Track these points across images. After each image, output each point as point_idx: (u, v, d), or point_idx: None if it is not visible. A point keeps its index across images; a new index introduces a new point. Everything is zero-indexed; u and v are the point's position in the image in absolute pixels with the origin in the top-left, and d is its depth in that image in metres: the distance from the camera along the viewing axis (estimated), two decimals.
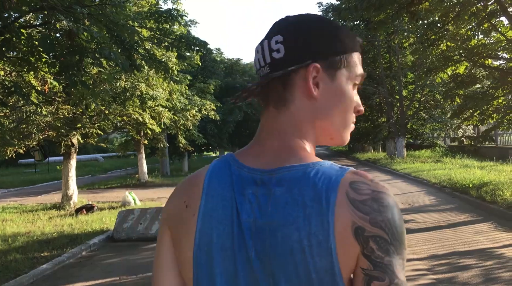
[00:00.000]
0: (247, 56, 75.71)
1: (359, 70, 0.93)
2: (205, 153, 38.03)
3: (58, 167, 12.46)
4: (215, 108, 20.41)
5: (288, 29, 0.89)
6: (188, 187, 0.93)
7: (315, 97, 0.89)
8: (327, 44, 0.89)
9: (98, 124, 12.15)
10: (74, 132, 11.36)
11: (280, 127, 0.90)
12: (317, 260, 0.78)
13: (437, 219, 8.73)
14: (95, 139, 13.63)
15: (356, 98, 0.94)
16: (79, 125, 11.35)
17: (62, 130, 10.90)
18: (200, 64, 20.20)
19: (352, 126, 0.96)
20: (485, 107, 10.37)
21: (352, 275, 0.81)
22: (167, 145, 19.20)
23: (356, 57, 0.93)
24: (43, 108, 9.41)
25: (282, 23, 0.91)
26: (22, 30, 6.15)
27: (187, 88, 17.57)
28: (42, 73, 7.66)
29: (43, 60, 6.45)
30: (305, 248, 0.78)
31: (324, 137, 0.94)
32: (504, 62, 11.18)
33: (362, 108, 0.94)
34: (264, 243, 0.81)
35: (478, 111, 10.55)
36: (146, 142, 17.73)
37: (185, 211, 0.90)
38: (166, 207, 0.96)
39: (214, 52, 34.38)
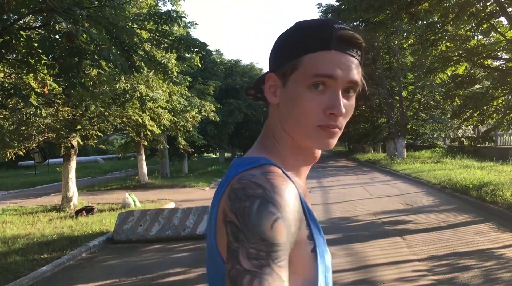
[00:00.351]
0: (247, 57, 75.55)
1: (317, 69, 0.89)
2: (205, 154, 38.03)
3: (58, 169, 12.46)
4: (215, 109, 20.41)
5: (274, 46, 0.98)
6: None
7: (275, 104, 0.96)
8: (281, 52, 0.95)
9: (98, 125, 12.15)
10: (74, 134, 11.36)
11: (264, 128, 1.02)
12: (211, 238, 0.90)
13: (437, 219, 8.72)
14: (95, 141, 13.62)
15: (323, 99, 0.90)
16: (78, 127, 11.34)
17: (62, 132, 10.90)
18: (200, 65, 20.18)
19: (334, 130, 0.92)
20: (485, 107, 10.37)
21: None
22: (167, 146, 19.19)
23: (315, 57, 0.90)
24: (43, 110, 9.40)
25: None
26: (21, 32, 6.16)
27: (186, 89, 17.59)
28: (42, 75, 7.66)
29: (43, 62, 6.45)
30: (210, 227, 0.91)
31: (299, 141, 0.96)
32: (503, 63, 11.18)
33: (335, 109, 0.89)
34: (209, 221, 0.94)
35: (478, 112, 10.55)
36: (146, 143, 17.72)
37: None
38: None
39: (214, 53, 34.39)
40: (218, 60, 35.25)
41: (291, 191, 0.85)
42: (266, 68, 1.14)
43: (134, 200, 12.14)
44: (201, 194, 15.60)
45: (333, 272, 4.82)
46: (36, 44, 6.20)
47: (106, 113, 11.56)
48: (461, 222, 8.43)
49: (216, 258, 0.89)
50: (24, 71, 7.08)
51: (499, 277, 5.23)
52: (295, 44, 0.92)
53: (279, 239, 0.79)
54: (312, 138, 0.93)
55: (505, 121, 10.19)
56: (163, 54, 10.39)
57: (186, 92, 17.48)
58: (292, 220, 0.83)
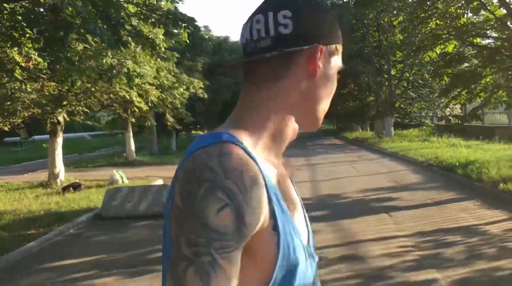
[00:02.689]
0: (236, 34, 75.02)
1: (340, 61, 0.95)
2: (193, 132, 37.90)
3: (44, 145, 12.33)
4: (203, 87, 20.24)
5: (298, 5, 0.86)
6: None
7: (314, 79, 0.88)
8: (330, 29, 0.90)
9: (84, 101, 12.00)
10: (60, 110, 11.21)
11: (247, 102, 0.90)
12: (167, 220, 0.84)
13: (423, 197, 8.83)
14: (82, 117, 13.49)
15: None
16: (65, 102, 11.19)
17: (48, 108, 10.75)
18: (188, 41, 19.89)
19: None
20: (473, 86, 10.40)
21: None
22: (155, 123, 19.07)
23: (341, 48, 0.94)
24: (28, 85, 9.24)
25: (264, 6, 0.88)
26: (5, 4, 6.00)
27: (174, 66, 17.37)
28: (26, 49, 7.49)
29: (27, 35, 6.32)
30: (168, 208, 0.84)
31: (302, 120, 0.92)
32: (492, 41, 11.18)
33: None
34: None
35: (466, 90, 10.57)
36: (133, 120, 17.55)
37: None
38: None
39: (202, 29, 33.96)
40: (207, 37, 34.86)
41: (249, 176, 0.76)
42: None
43: (122, 176, 12.10)
44: None
45: (322, 248, 4.85)
46: (20, 17, 6.06)
47: (93, 89, 11.40)
48: (447, 199, 8.54)
49: (167, 241, 0.83)
50: (8, 45, 6.92)
51: (482, 252, 5.33)
52: (339, 30, 0.93)
53: (224, 228, 0.73)
54: (319, 120, 0.94)
55: (493, 99, 10.24)
56: (151, 29, 10.19)
57: (174, 68, 17.26)
58: (248, 209, 0.75)
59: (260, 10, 0.87)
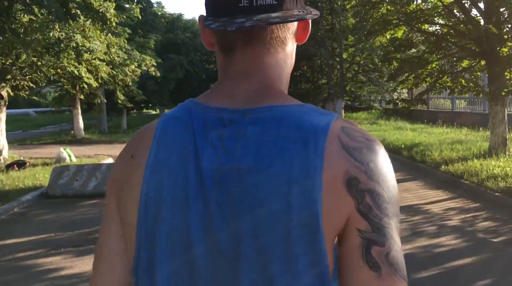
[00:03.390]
0: (189, 12, 73.54)
1: None
2: (144, 110, 37.25)
3: None
4: (155, 64, 19.88)
5: None
6: (137, 139, 0.80)
7: (299, 44, 0.85)
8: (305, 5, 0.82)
9: (30, 76, 11.52)
10: (4, 84, 10.72)
11: (264, 69, 0.78)
12: (298, 211, 0.66)
13: None
14: (27, 92, 12.97)
15: None
16: (9, 76, 10.71)
17: None
18: (140, 17, 19.48)
19: None
20: (420, 71, 10.75)
21: (338, 238, 0.70)
22: (105, 101, 18.60)
23: None
24: None
25: None
26: None
27: (126, 42, 16.94)
28: None
29: None
30: (284, 198, 0.66)
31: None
32: (439, 28, 11.57)
33: None
34: (229, 193, 0.68)
35: (413, 75, 10.93)
36: (82, 97, 17.07)
37: (130, 163, 0.77)
38: (113, 169, 0.83)
39: (155, 5, 33.19)
40: (159, 13, 34.09)
41: None
42: None
43: (70, 154, 11.77)
44: None
45: None
46: None
47: (39, 63, 10.95)
48: None
49: (303, 236, 0.66)
50: None
51: (424, 230, 5.61)
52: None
53: None
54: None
55: (438, 85, 10.65)
56: (101, 2, 9.87)
57: (126, 44, 16.85)
58: None
59: None
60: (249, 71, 0.77)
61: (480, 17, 9.65)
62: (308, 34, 0.84)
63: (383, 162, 0.71)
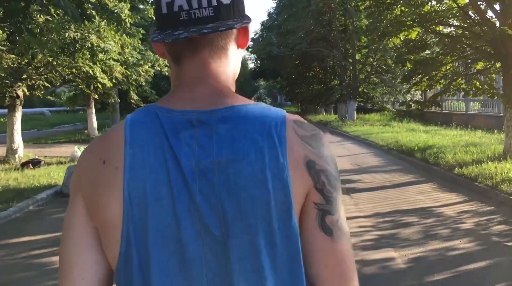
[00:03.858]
0: None
1: None
2: None
3: (1, 119, 11.95)
4: (168, 65, 19.98)
5: None
6: (102, 143, 0.85)
7: (240, 52, 0.94)
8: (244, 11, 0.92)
9: (45, 76, 11.65)
10: (20, 83, 10.85)
11: (214, 73, 0.87)
12: (274, 193, 0.78)
13: (383, 179, 9.09)
14: (42, 92, 13.10)
15: None
16: (24, 76, 10.83)
17: (7, 81, 10.37)
18: (154, 18, 19.56)
19: None
20: (434, 73, 10.68)
21: (300, 211, 0.83)
22: (118, 100, 18.72)
23: None
24: None
25: None
26: None
27: (140, 42, 17.05)
28: None
29: None
30: (260, 182, 0.78)
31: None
32: (454, 29, 11.48)
33: None
34: (212, 183, 0.78)
35: (427, 77, 10.86)
36: (96, 97, 17.21)
37: (102, 168, 0.81)
38: (76, 172, 0.87)
39: None
40: None
41: None
42: None
43: None
44: None
45: None
46: None
47: (54, 63, 11.07)
48: (405, 182, 8.82)
49: (280, 213, 0.79)
50: None
51: (437, 233, 5.57)
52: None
53: None
54: None
55: (452, 86, 10.57)
56: (116, 3, 9.96)
57: (139, 45, 16.95)
58: None
59: None
60: (201, 77, 0.87)
61: (496, 19, 9.55)
62: (249, 39, 0.94)
63: (328, 148, 0.88)
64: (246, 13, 0.91)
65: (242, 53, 0.96)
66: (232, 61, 0.91)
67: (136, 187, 0.78)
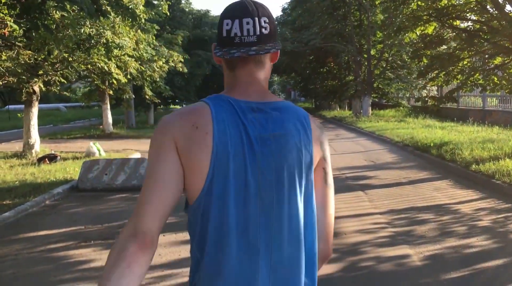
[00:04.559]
0: (216, 9, 73.75)
1: None
2: (171, 106, 37.56)
3: (18, 115, 12.08)
4: (182, 60, 20.01)
5: (269, 15, 1.29)
6: (192, 115, 1.24)
7: (271, 64, 1.38)
8: None
9: (61, 71, 11.74)
10: (36, 79, 10.97)
11: (258, 79, 1.32)
12: (305, 155, 1.28)
13: (398, 176, 9.01)
14: (58, 88, 13.22)
15: None
16: (41, 71, 10.94)
17: (23, 77, 10.49)
18: (168, 13, 19.61)
19: None
20: (451, 68, 10.55)
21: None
22: (133, 96, 18.81)
23: None
24: (3, 52, 9.01)
25: (263, 8, 1.29)
26: None
27: (154, 38, 17.09)
28: (2, 15, 7.26)
29: (3, 1, 6.13)
30: (297, 148, 1.27)
31: None
32: (471, 24, 11.32)
33: None
34: (270, 147, 1.23)
35: (444, 72, 10.73)
36: (111, 92, 17.31)
37: (196, 131, 1.21)
38: (167, 127, 1.25)
39: (183, 1, 33.35)
40: (187, 10, 34.27)
41: None
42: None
43: (99, 149, 11.98)
44: None
45: None
46: None
47: (70, 59, 11.15)
48: (421, 179, 8.74)
49: (307, 169, 1.29)
50: None
51: (453, 230, 5.51)
52: None
53: None
54: None
55: (469, 82, 10.43)
56: None
57: (154, 41, 17.00)
58: None
59: (248, 14, 1.26)
60: (250, 81, 1.31)
61: None
62: (278, 56, 1.37)
63: (322, 127, 1.41)
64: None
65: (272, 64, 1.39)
66: (267, 71, 1.36)
67: (221, 147, 1.19)
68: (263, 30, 1.26)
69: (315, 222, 1.31)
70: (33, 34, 7.51)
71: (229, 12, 1.28)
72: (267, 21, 1.27)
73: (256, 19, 1.25)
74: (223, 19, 1.28)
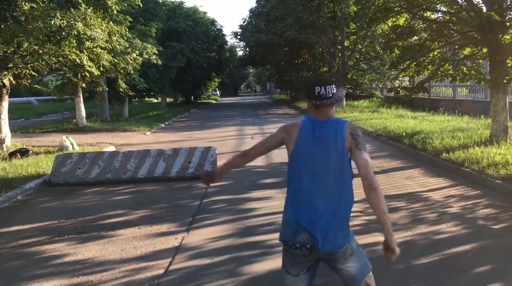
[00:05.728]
0: (190, 0, 72.77)
1: None
2: (146, 99, 37.16)
3: None
4: (157, 52, 19.83)
5: (332, 84, 2.57)
6: (291, 128, 2.64)
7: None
8: None
9: (32, 64, 11.52)
10: (6, 72, 10.74)
11: (330, 112, 2.59)
12: (340, 144, 2.49)
13: (372, 165, 9.13)
14: (29, 81, 12.97)
15: None
16: (10, 64, 10.71)
17: None
18: (141, 5, 19.35)
19: None
20: (422, 58, 10.73)
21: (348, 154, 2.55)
22: (107, 89, 18.56)
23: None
24: None
25: (331, 82, 2.59)
26: None
27: (127, 30, 16.87)
28: None
29: None
30: (337, 140, 2.49)
31: None
32: (441, 15, 11.52)
33: None
34: (322, 141, 2.51)
35: (415, 63, 10.91)
36: (84, 85, 17.06)
37: (294, 133, 2.60)
38: (286, 128, 2.68)
39: None
40: (160, 1, 33.87)
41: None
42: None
43: (72, 143, 11.82)
44: (142, 139, 15.42)
45: (274, 213, 5.01)
46: None
47: (41, 51, 10.95)
48: (393, 168, 8.91)
49: (343, 154, 2.49)
50: None
51: (424, 217, 5.65)
52: None
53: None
54: None
55: (439, 72, 10.63)
56: None
57: (127, 32, 16.77)
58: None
59: (328, 83, 2.56)
60: (327, 114, 2.58)
61: (483, 4, 9.60)
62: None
63: (359, 130, 2.61)
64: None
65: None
66: (333, 110, 2.63)
67: (300, 143, 2.56)
68: (334, 91, 2.54)
69: (349, 175, 2.51)
70: (2, 26, 7.35)
71: (319, 82, 2.56)
72: (334, 87, 2.56)
73: (329, 86, 2.54)
74: (315, 85, 2.54)
